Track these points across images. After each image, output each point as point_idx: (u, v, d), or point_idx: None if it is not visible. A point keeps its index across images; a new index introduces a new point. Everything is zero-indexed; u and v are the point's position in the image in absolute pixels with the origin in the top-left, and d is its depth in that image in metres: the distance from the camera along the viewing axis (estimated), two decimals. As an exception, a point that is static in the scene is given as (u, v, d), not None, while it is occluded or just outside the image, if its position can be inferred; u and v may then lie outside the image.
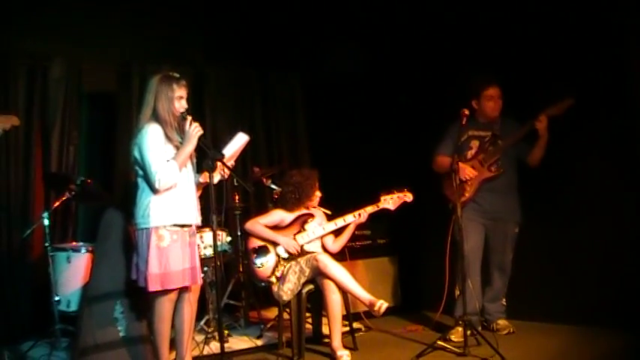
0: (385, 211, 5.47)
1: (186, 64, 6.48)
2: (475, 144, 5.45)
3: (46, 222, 5.24)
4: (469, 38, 6.06)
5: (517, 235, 5.47)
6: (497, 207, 5.40)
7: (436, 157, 5.53)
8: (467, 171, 5.35)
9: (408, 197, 5.48)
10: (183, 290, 4.36)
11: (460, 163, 5.26)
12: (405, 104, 6.52)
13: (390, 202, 5.45)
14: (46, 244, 5.24)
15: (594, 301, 5.24)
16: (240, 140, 4.63)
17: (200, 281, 4.44)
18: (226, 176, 4.52)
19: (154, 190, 4.19)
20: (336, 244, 5.57)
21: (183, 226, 4.28)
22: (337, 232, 5.58)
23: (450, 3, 6.19)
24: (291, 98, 7.82)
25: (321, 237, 5.49)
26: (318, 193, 5.55)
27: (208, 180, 4.21)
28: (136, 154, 4.27)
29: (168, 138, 4.25)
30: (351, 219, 5.41)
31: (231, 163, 4.58)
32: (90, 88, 6.58)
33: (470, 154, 5.45)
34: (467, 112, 5.03)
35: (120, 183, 6.37)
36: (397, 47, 6.80)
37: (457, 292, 5.25)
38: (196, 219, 4.41)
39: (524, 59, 5.66)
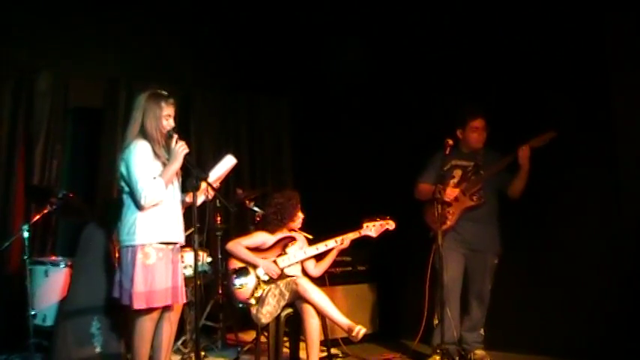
0: (367, 237, 5.49)
1: (173, 83, 6.49)
2: (458, 173, 5.49)
3: (26, 234, 5.16)
4: (455, 67, 6.12)
5: (496, 266, 5.50)
6: (477, 237, 5.43)
7: (418, 185, 5.56)
8: (448, 191, 5.37)
9: (390, 225, 5.50)
10: (165, 309, 4.34)
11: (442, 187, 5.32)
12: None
13: (372, 229, 5.46)
14: (25, 257, 5.17)
15: (572, 333, 5.26)
16: (227, 163, 4.64)
17: (183, 300, 4.42)
18: (210, 197, 4.53)
19: (140, 207, 4.17)
20: (317, 269, 5.57)
21: (168, 243, 4.27)
22: (319, 257, 5.58)
23: (437, 32, 6.28)
24: (278, 123, 7.84)
25: (302, 261, 5.48)
26: (300, 215, 5.55)
27: (192, 200, 4.21)
28: (123, 170, 4.26)
29: (157, 155, 4.25)
30: (333, 244, 5.41)
31: (216, 184, 4.58)
32: (76, 102, 6.56)
33: (452, 182, 5.48)
34: (451, 142, 5.09)
35: (102, 198, 6.35)
36: (383, 74, 6.85)
37: (435, 321, 5.25)
38: (181, 237, 4.40)
39: (508, 90, 5.73)
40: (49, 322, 5.12)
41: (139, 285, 4.11)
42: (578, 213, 5.36)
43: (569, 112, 5.34)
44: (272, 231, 5.47)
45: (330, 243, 5.41)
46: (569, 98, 5.40)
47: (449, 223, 5.40)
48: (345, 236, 5.41)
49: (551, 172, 5.42)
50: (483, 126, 5.44)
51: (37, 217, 5.36)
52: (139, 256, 4.14)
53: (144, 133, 4.27)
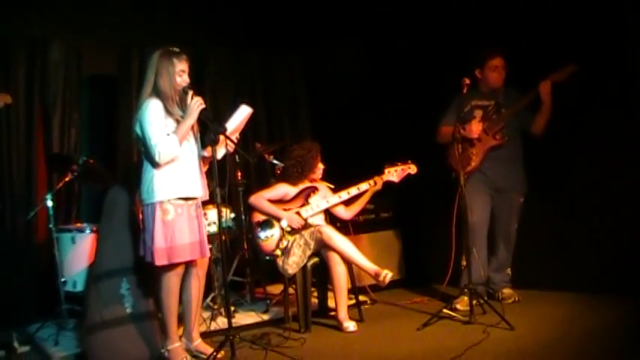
0: (389, 183, 5.48)
1: (186, 45, 6.46)
2: (479, 113, 5.44)
3: (50, 204, 5.24)
4: (472, 8, 6.00)
5: (522, 205, 5.48)
6: (502, 177, 5.41)
7: (440, 127, 5.52)
8: (473, 127, 5.33)
9: (412, 169, 5.50)
10: (190, 264, 4.38)
11: (465, 126, 5.29)
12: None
13: (394, 174, 5.47)
14: (51, 226, 5.26)
15: (599, 269, 5.24)
16: (242, 112, 4.59)
17: (208, 254, 4.45)
18: (231, 150, 4.51)
19: (155, 164, 4.18)
20: (349, 212, 5.62)
21: (187, 199, 4.27)
22: (346, 203, 5.60)
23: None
24: (292, 76, 7.81)
25: (326, 210, 5.50)
26: (320, 166, 5.55)
27: (212, 155, 4.23)
28: (137, 129, 4.26)
29: (169, 112, 4.24)
30: (366, 187, 5.44)
31: (235, 136, 4.56)
32: (90, 71, 6.58)
33: (474, 122, 5.43)
34: (468, 80, 5.02)
35: (122, 163, 6.38)
36: (399, 20, 6.75)
37: (463, 263, 5.24)
38: (201, 192, 4.40)
39: (527, 28, 5.60)
40: (79, 288, 5.19)
41: (160, 241, 4.14)
42: (602, 149, 5.30)
43: (589, 48, 5.22)
44: (293, 183, 5.48)
45: (363, 186, 5.44)
46: (589, 34, 5.28)
47: (473, 164, 5.38)
48: (376, 177, 5.44)
49: (574, 109, 5.35)
50: (502, 65, 5.38)
51: (60, 185, 5.42)
52: (158, 212, 4.16)
53: (157, 92, 4.26)
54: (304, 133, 7.58)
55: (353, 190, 5.44)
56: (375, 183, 5.45)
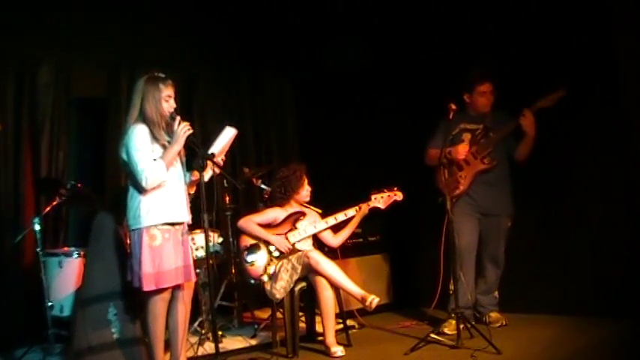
0: (376, 209, 5.50)
1: (175, 66, 6.50)
2: (467, 137, 5.47)
3: (37, 227, 5.22)
4: (462, 32, 6.05)
5: (509, 228, 5.50)
6: (490, 200, 5.43)
7: (428, 151, 5.55)
8: (459, 149, 5.37)
9: (398, 196, 5.52)
10: (176, 289, 4.37)
11: (451, 148, 5.33)
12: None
13: (380, 200, 5.49)
14: (38, 250, 5.24)
15: (585, 291, 5.28)
16: (227, 134, 4.61)
17: (194, 278, 4.45)
18: (217, 172, 4.53)
19: (141, 189, 4.19)
20: (337, 238, 5.62)
21: (174, 224, 4.29)
22: (335, 229, 5.61)
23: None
24: (281, 99, 7.83)
25: (314, 235, 5.51)
26: (307, 187, 5.56)
27: (199, 178, 4.25)
28: (124, 155, 4.28)
29: (155, 138, 4.26)
30: (352, 213, 5.45)
31: (221, 157, 4.57)
32: (79, 93, 6.56)
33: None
34: (454, 106, 5.05)
35: (110, 187, 6.36)
36: (388, 43, 6.80)
37: (452, 287, 5.25)
38: (188, 217, 4.42)
39: (517, 51, 5.68)
40: (66, 312, 5.16)
41: (147, 266, 4.15)
42: (591, 173, 5.35)
43: (575, 71, 5.28)
44: (280, 205, 5.49)
45: (350, 212, 5.45)
46: (574, 57, 5.35)
47: (462, 187, 5.41)
48: (362, 204, 5.46)
49: (561, 133, 5.40)
50: (491, 90, 5.41)
51: (48, 209, 5.40)
52: (145, 238, 4.17)
53: (143, 117, 4.28)
54: (293, 155, 7.58)
55: (340, 216, 5.46)
56: (361, 209, 5.47)
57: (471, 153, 5.41)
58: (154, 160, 4.20)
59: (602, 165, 5.28)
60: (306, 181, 5.54)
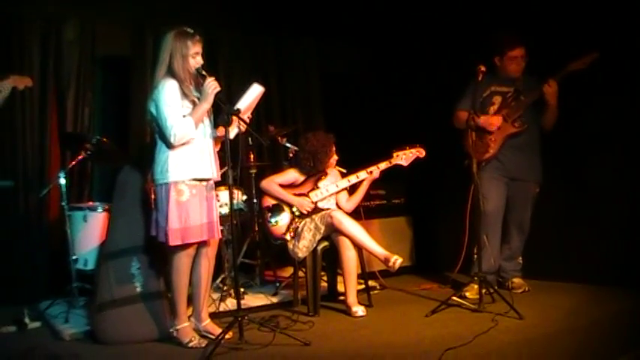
0: (398, 167, 5.47)
1: (199, 27, 6.46)
2: (498, 99, 5.41)
3: (63, 182, 5.27)
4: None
5: (537, 195, 5.45)
6: (519, 165, 5.38)
7: (456, 112, 5.50)
8: (492, 120, 5.32)
9: (421, 153, 5.48)
10: (201, 245, 4.38)
11: (484, 116, 5.28)
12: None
13: (402, 157, 5.45)
14: (63, 204, 5.28)
15: (608, 260, 5.27)
16: (254, 91, 4.57)
17: (219, 235, 4.45)
18: (243, 129, 4.51)
19: (169, 145, 4.18)
20: (350, 203, 5.57)
21: (201, 180, 4.29)
22: (351, 191, 5.58)
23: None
24: (306, 63, 7.75)
25: (335, 194, 5.50)
26: (334, 157, 5.54)
27: (224, 134, 4.24)
28: (153, 109, 4.26)
29: (185, 94, 4.24)
30: (364, 175, 5.42)
31: (247, 115, 4.55)
32: (103, 50, 6.54)
33: (492, 109, 5.41)
34: (483, 68, 4.98)
35: (135, 144, 6.39)
36: (415, 4, 6.72)
37: (475, 252, 5.23)
38: (214, 174, 4.41)
39: (547, 14, 5.58)
40: (90, 266, 5.21)
41: (174, 222, 4.16)
42: (613, 143, 5.32)
43: (611, 34, 5.18)
44: (304, 172, 5.47)
45: (362, 174, 5.42)
46: (611, 21, 5.24)
47: (491, 151, 5.36)
48: (375, 166, 5.40)
49: (593, 102, 5.34)
50: (523, 55, 5.33)
51: (73, 163, 5.43)
52: (173, 193, 4.17)
53: (172, 73, 4.25)
54: (317, 116, 7.55)
55: (362, 174, 5.41)
56: (372, 172, 5.41)
57: (502, 115, 5.34)
58: (184, 116, 4.18)
59: (632, 134, 5.20)
60: (334, 151, 5.51)
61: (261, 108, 4.79)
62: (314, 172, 5.43)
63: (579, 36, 5.33)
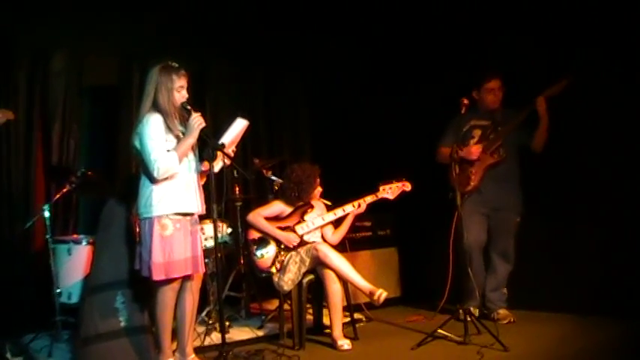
0: (384, 200, 5.49)
1: (187, 58, 6.49)
2: (477, 133, 5.52)
3: (47, 214, 5.24)
4: (469, 28, 6.04)
5: (518, 225, 5.49)
6: (499, 196, 5.44)
7: (439, 149, 5.61)
8: (472, 150, 5.42)
9: (407, 187, 5.51)
10: (185, 279, 4.37)
11: (465, 147, 5.37)
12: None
13: (389, 191, 5.48)
14: (47, 236, 5.25)
15: (593, 290, 5.26)
16: (238, 125, 4.59)
17: (203, 269, 4.44)
18: (228, 163, 4.52)
19: (153, 180, 4.19)
20: (335, 236, 5.57)
21: (185, 214, 4.29)
22: (336, 224, 5.59)
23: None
24: (294, 93, 7.81)
25: (321, 227, 5.50)
26: (318, 189, 5.57)
27: (209, 168, 4.25)
28: (137, 143, 4.27)
29: (169, 128, 4.25)
30: (350, 209, 5.43)
31: (232, 149, 4.57)
32: (91, 81, 6.56)
33: (472, 142, 5.50)
34: (466, 101, 5.06)
35: (121, 175, 6.38)
36: (398, 39, 6.79)
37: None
38: (199, 207, 4.41)
39: (520, 46, 5.68)
40: (74, 300, 5.17)
41: (158, 256, 4.15)
42: (600, 171, 5.32)
43: (586, 62, 5.27)
44: (289, 203, 5.48)
45: (348, 208, 5.43)
46: (584, 50, 5.33)
47: (472, 183, 5.43)
48: (362, 200, 5.42)
49: (571, 126, 5.38)
50: (499, 86, 5.47)
51: (58, 196, 5.42)
52: (156, 227, 4.17)
53: (157, 107, 4.27)
54: (304, 148, 7.59)
55: (348, 207, 5.43)
56: (359, 205, 5.43)
57: (482, 146, 5.40)
58: (168, 151, 4.19)
59: (613, 164, 5.25)
60: (318, 182, 5.53)
61: (247, 138, 4.81)
62: (300, 205, 5.43)
63: (555, 66, 5.43)
